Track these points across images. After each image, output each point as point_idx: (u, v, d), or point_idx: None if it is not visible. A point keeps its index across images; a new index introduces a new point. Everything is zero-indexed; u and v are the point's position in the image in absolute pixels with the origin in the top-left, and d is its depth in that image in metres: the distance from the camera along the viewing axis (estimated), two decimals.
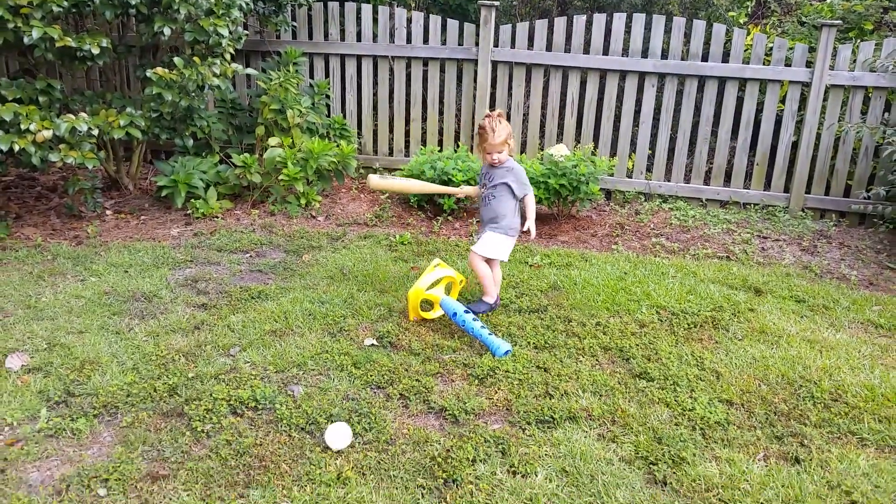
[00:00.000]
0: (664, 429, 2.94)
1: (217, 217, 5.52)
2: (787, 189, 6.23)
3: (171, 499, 2.44)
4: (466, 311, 3.60)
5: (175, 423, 2.88)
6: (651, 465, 2.71)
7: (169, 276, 4.38)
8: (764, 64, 6.08)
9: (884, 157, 5.57)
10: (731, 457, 2.77)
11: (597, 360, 3.50)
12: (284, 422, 2.88)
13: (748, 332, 3.87)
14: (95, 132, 4.60)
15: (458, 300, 3.86)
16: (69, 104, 5.05)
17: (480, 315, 3.83)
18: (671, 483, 2.61)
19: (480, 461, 2.69)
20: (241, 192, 5.94)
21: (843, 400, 3.19)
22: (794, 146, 6.14)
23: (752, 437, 2.92)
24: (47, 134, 4.47)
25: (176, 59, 4.88)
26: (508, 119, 6.56)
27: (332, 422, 2.85)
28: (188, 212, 5.53)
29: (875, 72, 5.73)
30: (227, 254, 4.83)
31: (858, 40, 6.07)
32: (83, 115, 4.58)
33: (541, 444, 2.82)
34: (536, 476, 2.62)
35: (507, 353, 3.44)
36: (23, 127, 4.40)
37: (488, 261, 3.92)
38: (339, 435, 2.75)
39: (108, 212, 5.58)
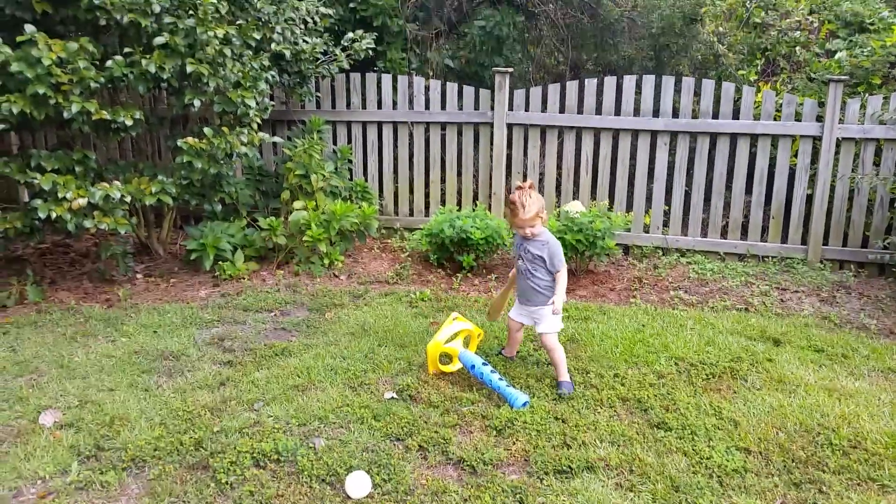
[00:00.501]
0: (682, 477, 2.95)
1: (243, 278, 5.69)
2: (804, 241, 6.26)
3: None
4: (484, 364, 3.67)
5: (200, 475, 2.96)
6: None
7: (196, 336, 4.52)
8: (774, 119, 6.22)
9: None
10: (748, 503, 2.78)
11: (615, 410, 3.53)
12: (305, 473, 2.94)
13: (766, 381, 3.88)
14: (128, 199, 4.83)
15: (476, 353, 3.93)
16: (103, 173, 5.31)
17: (500, 368, 3.89)
18: None
19: None
20: (266, 254, 6.12)
21: (862, 447, 3.18)
22: (809, 199, 6.20)
23: (770, 484, 2.92)
24: (82, 202, 4.71)
25: (206, 130, 5.14)
26: (524, 178, 6.74)
27: (350, 473, 2.91)
28: (216, 274, 5.71)
29: (885, 124, 5.83)
30: (252, 313, 4.97)
31: (866, 94, 6.19)
32: (116, 183, 4.82)
33: (558, 493, 2.85)
34: None
35: (525, 404, 3.49)
36: (60, 195, 4.65)
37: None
38: (358, 484, 2.81)
39: (138, 275, 5.78)
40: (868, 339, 4.60)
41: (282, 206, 6.38)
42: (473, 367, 3.68)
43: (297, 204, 5.98)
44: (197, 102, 5.02)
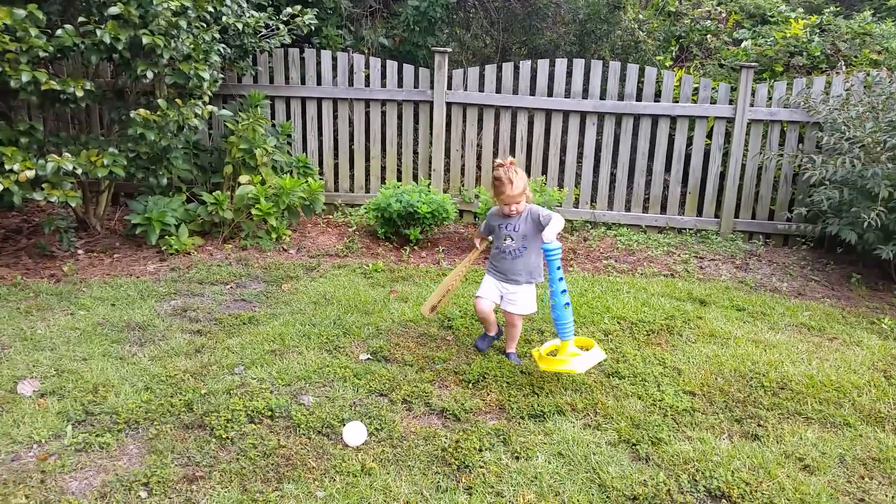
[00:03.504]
0: (640, 416, 3.33)
1: (190, 253, 5.69)
2: (717, 215, 6.85)
3: (212, 496, 2.66)
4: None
5: (198, 433, 3.09)
6: (633, 446, 3.08)
7: (157, 307, 4.55)
8: (691, 102, 6.74)
9: (802, 182, 6.24)
10: (701, 436, 3.18)
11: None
12: (302, 426, 3.12)
13: (699, 335, 4.34)
14: (79, 171, 4.76)
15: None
16: (45, 145, 5.18)
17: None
18: (653, 459, 2.99)
19: (486, 449, 3.01)
20: (210, 230, 6.12)
21: (788, 387, 3.66)
22: (722, 176, 6.79)
23: (716, 421, 3.34)
24: (30, 174, 4.61)
25: (160, 101, 5.09)
26: (462, 156, 7.01)
27: (345, 424, 3.11)
28: (161, 248, 5.67)
29: (789, 107, 6.46)
30: (208, 286, 5.02)
31: (773, 80, 6.82)
32: (67, 155, 4.73)
33: (535, 433, 3.16)
34: (537, 459, 2.95)
35: None
36: (6, 167, 4.53)
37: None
38: (355, 433, 3.02)
39: (79, 251, 5.67)
40: (781, 299, 5.18)
41: (224, 181, 6.37)
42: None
43: (244, 178, 6.01)
44: (150, 74, 4.96)
